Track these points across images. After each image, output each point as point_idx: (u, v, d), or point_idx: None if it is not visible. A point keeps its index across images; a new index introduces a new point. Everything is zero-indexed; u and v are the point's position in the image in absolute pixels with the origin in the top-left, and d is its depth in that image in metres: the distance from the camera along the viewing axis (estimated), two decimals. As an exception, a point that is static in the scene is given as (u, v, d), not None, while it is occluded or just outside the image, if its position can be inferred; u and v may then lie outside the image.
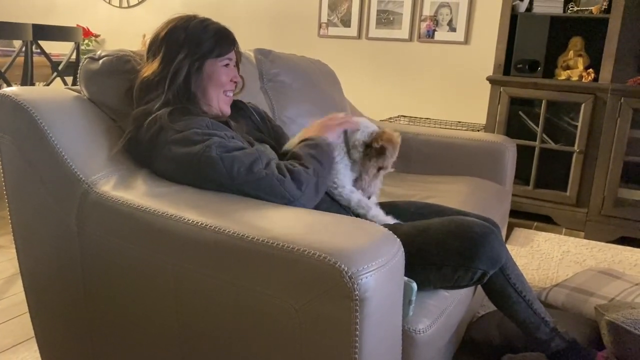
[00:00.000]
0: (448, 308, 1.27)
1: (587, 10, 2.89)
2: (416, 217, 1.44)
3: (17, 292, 1.96)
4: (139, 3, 4.47)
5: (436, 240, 1.23)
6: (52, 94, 1.34)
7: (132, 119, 1.30)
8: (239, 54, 1.48)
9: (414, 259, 1.16)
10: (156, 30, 1.38)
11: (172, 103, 1.30)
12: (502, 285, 1.39)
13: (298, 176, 1.20)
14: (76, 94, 1.40)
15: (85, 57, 1.42)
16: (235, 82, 1.44)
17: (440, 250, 1.22)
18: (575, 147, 2.92)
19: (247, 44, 2.15)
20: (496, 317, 1.63)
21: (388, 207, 1.52)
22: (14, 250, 1.39)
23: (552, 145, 3.04)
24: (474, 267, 1.20)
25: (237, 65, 1.48)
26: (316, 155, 1.30)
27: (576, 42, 3.00)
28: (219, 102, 1.40)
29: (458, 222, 1.25)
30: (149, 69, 1.34)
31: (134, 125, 1.29)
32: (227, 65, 1.40)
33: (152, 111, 1.28)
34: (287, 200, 1.18)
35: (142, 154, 1.31)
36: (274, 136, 1.62)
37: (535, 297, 1.44)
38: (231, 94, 1.45)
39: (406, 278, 1.07)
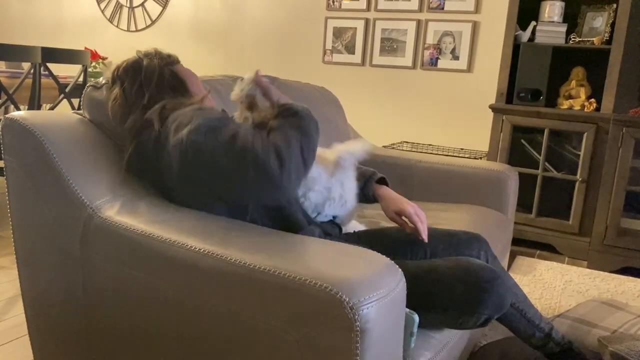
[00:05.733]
0: (450, 341, 1.26)
1: (588, 41, 2.93)
2: (411, 245, 1.42)
3: (18, 314, 1.95)
4: (146, 27, 4.54)
5: (442, 284, 1.21)
6: (59, 119, 1.35)
7: (129, 131, 1.30)
8: None
9: (420, 301, 1.16)
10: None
11: (157, 100, 1.30)
12: None
13: (279, 153, 1.11)
14: (82, 118, 1.42)
15: (88, 85, 1.44)
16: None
17: (446, 294, 1.20)
18: (578, 176, 2.93)
19: (253, 70, 2.16)
20: (498, 348, 1.61)
21: (379, 235, 1.48)
22: (16, 272, 1.39)
23: (554, 173, 3.05)
24: (479, 313, 1.19)
25: None
26: (299, 127, 1.19)
27: (578, 72, 3.03)
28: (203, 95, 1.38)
29: (464, 266, 1.23)
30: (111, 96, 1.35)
31: (133, 136, 1.29)
32: None
33: (144, 118, 1.27)
34: (273, 179, 1.10)
35: (149, 167, 1.29)
36: None
37: (530, 305, 1.48)
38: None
39: (408, 310, 1.06)
